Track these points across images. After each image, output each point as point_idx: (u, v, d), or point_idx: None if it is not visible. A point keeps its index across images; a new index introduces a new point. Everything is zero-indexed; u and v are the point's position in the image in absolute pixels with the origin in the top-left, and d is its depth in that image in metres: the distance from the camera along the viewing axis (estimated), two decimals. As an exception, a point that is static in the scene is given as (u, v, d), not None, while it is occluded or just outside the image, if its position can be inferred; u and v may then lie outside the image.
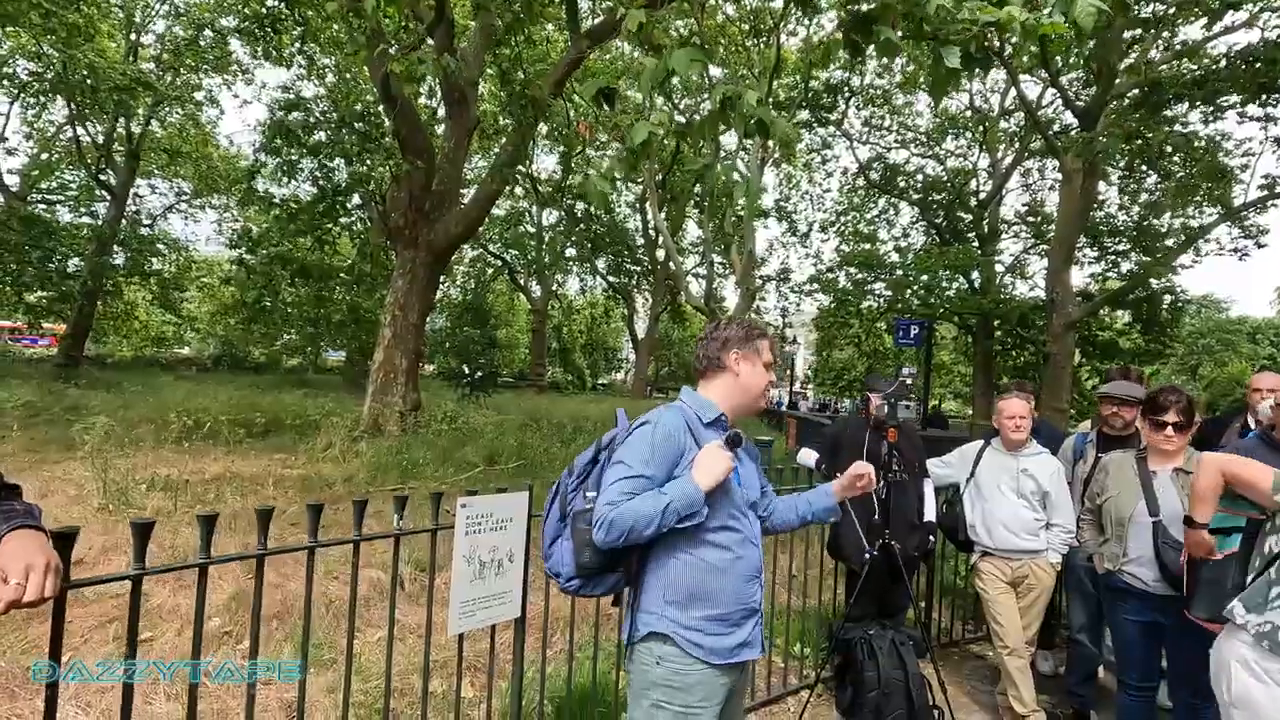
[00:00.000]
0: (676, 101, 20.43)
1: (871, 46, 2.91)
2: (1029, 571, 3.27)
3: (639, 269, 33.39)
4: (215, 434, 9.09)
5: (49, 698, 1.37)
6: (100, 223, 20.41)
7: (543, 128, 14.29)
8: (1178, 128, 12.70)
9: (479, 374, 17.16)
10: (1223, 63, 10.68)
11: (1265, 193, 13.20)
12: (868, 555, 3.23)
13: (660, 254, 29.86)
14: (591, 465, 1.82)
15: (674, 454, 1.72)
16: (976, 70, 2.86)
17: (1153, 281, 16.95)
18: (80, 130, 19.63)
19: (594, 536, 1.65)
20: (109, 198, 20.63)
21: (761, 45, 16.68)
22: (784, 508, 2.09)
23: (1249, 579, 1.99)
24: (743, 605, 1.77)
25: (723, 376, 1.88)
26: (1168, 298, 18.71)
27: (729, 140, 20.59)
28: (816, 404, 40.55)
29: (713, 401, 1.87)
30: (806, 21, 17.32)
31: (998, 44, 13.05)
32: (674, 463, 1.72)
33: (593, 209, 28.38)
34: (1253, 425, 3.38)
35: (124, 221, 20.90)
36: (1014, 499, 3.30)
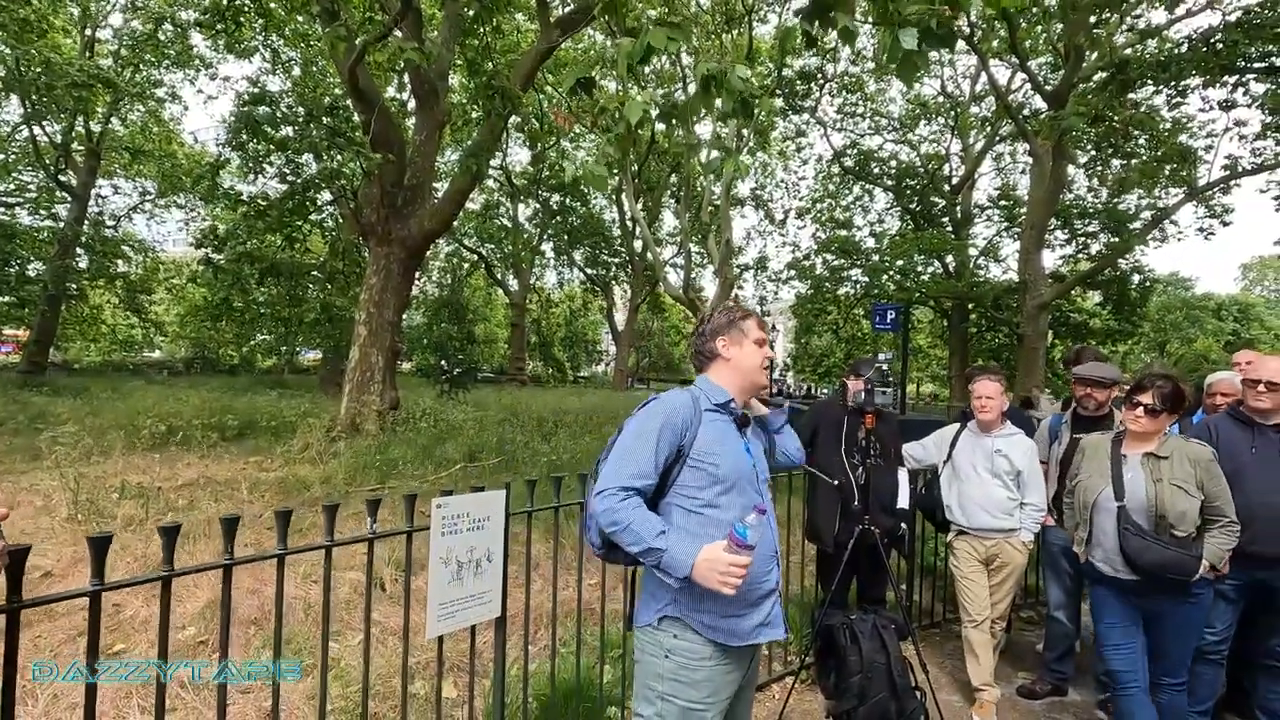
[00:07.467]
0: (652, 90, 20.30)
1: (832, 33, 2.89)
2: (1001, 550, 3.33)
3: (616, 261, 33.25)
4: (188, 439, 8.90)
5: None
6: (62, 225, 19.82)
7: (514, 119, 14.12)
8: (1143, 109, 12.90)
9: (458, 370, 16.97)
10: (1184, 46, 10.83)
11: (1227, 172, 13.48)
12: (835, 539, 3.27)
13: (637, 245, 29.76)
14: None
15: (679, 431, 1.75)
16: (939, 50, 2.84)
17: (1121, 262, 17.25)
18: (37, 129, 19.02)
19: (594, 512, 1.69)
20: (70, 199, 20.04)
21: (735, 34, 16.65)
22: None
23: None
24: (758, 585, 1.74)
25: (718, 364, 1.92)
26: (1136, 277, 19.10)
27: (703, 130, 20.55)
28: (797, 390, 40.80)
29: (722, 387, 1.89)
30: (777, 9, 17.31)
31: (966, 28, 13.16)
32: (679, 436, 1.74)
33: (568, 201, 28.21)
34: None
35: (86, 223, 20.31)
36: (989, 479, 3.34)
